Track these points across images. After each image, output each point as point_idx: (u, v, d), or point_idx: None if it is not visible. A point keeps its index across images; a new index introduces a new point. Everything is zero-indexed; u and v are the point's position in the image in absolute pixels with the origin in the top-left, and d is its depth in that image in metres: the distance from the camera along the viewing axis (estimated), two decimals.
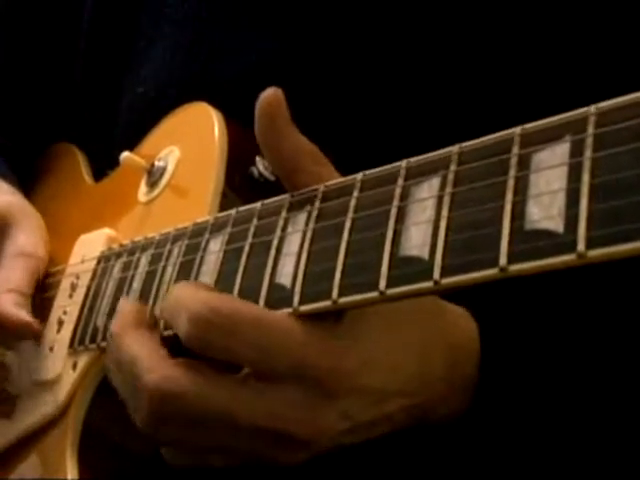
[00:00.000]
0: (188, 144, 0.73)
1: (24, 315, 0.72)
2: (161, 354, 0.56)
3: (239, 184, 0.68)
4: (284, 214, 0.56)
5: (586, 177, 0.40)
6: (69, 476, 0.67)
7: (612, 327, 0.60)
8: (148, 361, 0.55)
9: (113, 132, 0.83)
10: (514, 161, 0.44)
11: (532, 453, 0.62)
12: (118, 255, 0.70)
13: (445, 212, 0.46)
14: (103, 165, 0.83)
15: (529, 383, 0.59)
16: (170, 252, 0.64)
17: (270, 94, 0.55)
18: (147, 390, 0.54)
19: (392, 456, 0.64)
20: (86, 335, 0.69)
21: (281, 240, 0.55)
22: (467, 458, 0.64)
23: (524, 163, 0.44)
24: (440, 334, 0.56)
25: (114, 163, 0.78)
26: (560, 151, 0.42)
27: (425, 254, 0.46)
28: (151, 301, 0.63)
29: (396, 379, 0.54)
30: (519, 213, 0.43)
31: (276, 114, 0.55)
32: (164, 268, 0.64)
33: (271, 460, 0.54)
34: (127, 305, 0.61)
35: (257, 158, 0.68)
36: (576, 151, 0.41)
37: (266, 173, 0.68)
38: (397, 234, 0.48)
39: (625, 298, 0.61)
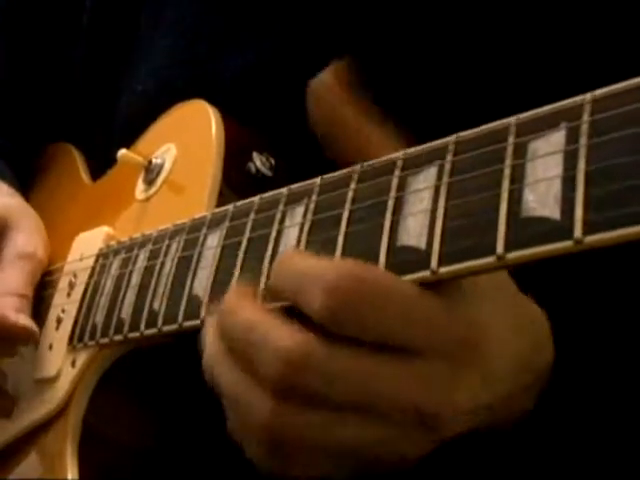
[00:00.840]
0: (185, 141, 0.73)
1: (24, 319, 0.72)
2: (285, 320, 0.48)
3: (236, 180, 0.68)
4: (281, 207, 0.56)
5: (582, 164, 0.41)
6: (69, 474, 0.67)
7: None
8: (275, 327, 0.48)
9: (111, 130, 0.83)
10: (510, 150, 0.44)
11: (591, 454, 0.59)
12: (116, 252, 0.70)
13: (442, 202, 0.46)
14: (101, 163, 0.84)
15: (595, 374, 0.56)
16: (168, 248, 0.64)
17: (327, 75, 0.53)
18: (277, 357, 0.47)
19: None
20: (85, 332, 0.69)
21: (279, 233, 0.55)
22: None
23: (520, 152, 0.44)
24: (529, 317, 0.53)
25: (112, 161, 0.78)
26: (556, 139, 0.43)
27: (422, 244, 0.47)
28: (149, 296, 0.63)
29: (505, 359, 0.50)
30: (516, 201, 0.43)
31: (333, 89, 0.53)
32: (162, 264, 0.64)
33: (393, 460, 0.49)
34: (236, 283, 0.55)
35: (254, 154, 0.68)
36: (571, 138, 0.42)
37: (263, 169, 0.68)
38: (394, 224, 0.48)
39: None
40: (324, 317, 0.46)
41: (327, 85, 0.52)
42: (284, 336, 0.47)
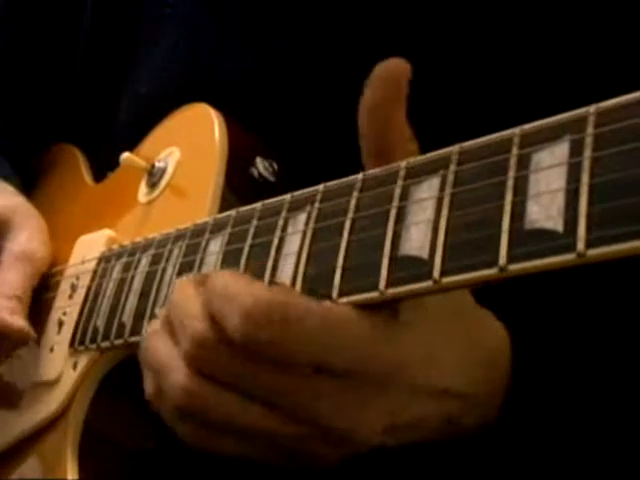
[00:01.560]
0: (188, 145, 0.73)
1: (18, 320, 0.72)
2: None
3: (239, 185, 0.68)
4: (284, 214, 0.56)
5: (585, 177, 0.41)
6: (69, 476, 0.67)
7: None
8: (197, 311, 0.52)
9: (113, 132, 0.83)
10: (513, 161, 0.44)
11: (561, 461, 0.61)
12: (118, 256, 0.70)
13: (445, 212, 0.46)
14: (103, 166, 0.83)
15: (558, 385, 0.57)
16: (170, 252, 0.64)
17: (400, 62, 0.51)
18: (192, 336, 0.51)
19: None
20: (86, 335, 0.69)
21: (281, 240, 0.55)
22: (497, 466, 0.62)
23: (523, 163, 0.44)
24: (480, 334, 0.55)
25: (114, 164, 0.78)
26: (559, 151, 0.42)
27: (425, 254, 0.46)
28: (151, 301, 0.63)
29: (445, 377, 0.52)
30: (519, 213, 0.43)
31: (401, 83, 0.51)
32: (164, 269, 0.64)
33: (307, 457, 0.52)
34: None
35: (257, 159, 0.68)
36: (575, 151, 0.42)
37: (266, 174, 0.68)
38: (397, 234, 0.48)
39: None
40: (241, 340, 0.49)
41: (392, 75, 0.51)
42: (198, 318, 0.51)
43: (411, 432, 0.53)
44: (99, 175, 0.85)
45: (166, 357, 0.54)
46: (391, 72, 0.51)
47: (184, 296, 0.54)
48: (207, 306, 0.52)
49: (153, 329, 0.56)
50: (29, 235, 0.78)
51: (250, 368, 0.50)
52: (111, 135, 0.83)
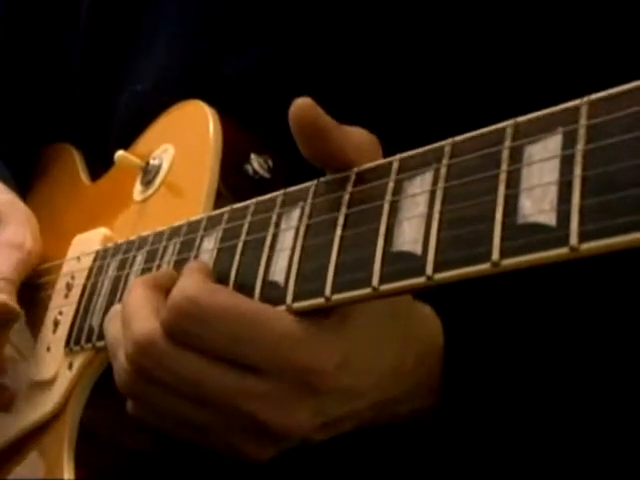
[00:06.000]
0: (183, 142, 0.73)
1: (2, 297, 0.71)
2: (153, 308, 0.57)
3: (234, 182, 0.67)
4: (277, 210, 0.56)
5: (578, 170, 0.40)
6: (66, 475, 0.67)
7: (586, 322, 0.60)
8: (144, 313, 0.56)
9: (110, 130, 0.82)
10: (506, 154, 0.44)
11: (497, 452, 0.63)
12: (114, 254, 0.70)
13: (438, 207, 0.46)
14: (100, 163, 0.83)
15: (493, 381, 0.59)
16: (165, 250, 0.64)
17: (300, 103, 0.54)
18: (132, 338, 0.56)
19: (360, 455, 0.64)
20: (82, 335, 0.69)
21: (274, 237, 0.55)
22: (434, 457, 0.64)
23: (516, 156, 0.43)
24: (412, 330, 0.57)
25: (111, 161, 0.77)
26: (552, 144, 0.42)
27: (418, 249, 0.46)
28: None
29: (372, 375, 0.55)
30: (512, 207, 0.42)
31: (312, 119, 0.54)
32: (159, 266, 0.64)
33: (239, 451, 0.56)
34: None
35: (252, 155, 0.68)
36: (568, 143, 0.41)
37: (261, 171, 0.68)
38: (390, 229, 0.48)
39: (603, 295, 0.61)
40: (165, 327, 0.55)
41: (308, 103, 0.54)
42: (142, 320, 0.56)
43: (343, 425, 0.56)
44: (96, 173, 0.85)
45: (115, 344, 0.59)
46: (300, 113, 0.54)
47: (132, 298, 0.58)
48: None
49: (112, 314, 0.61)
50: (16, 226, 0.78)
51: (179, 359, 0.54)
52: (108, 133, 0.83)
